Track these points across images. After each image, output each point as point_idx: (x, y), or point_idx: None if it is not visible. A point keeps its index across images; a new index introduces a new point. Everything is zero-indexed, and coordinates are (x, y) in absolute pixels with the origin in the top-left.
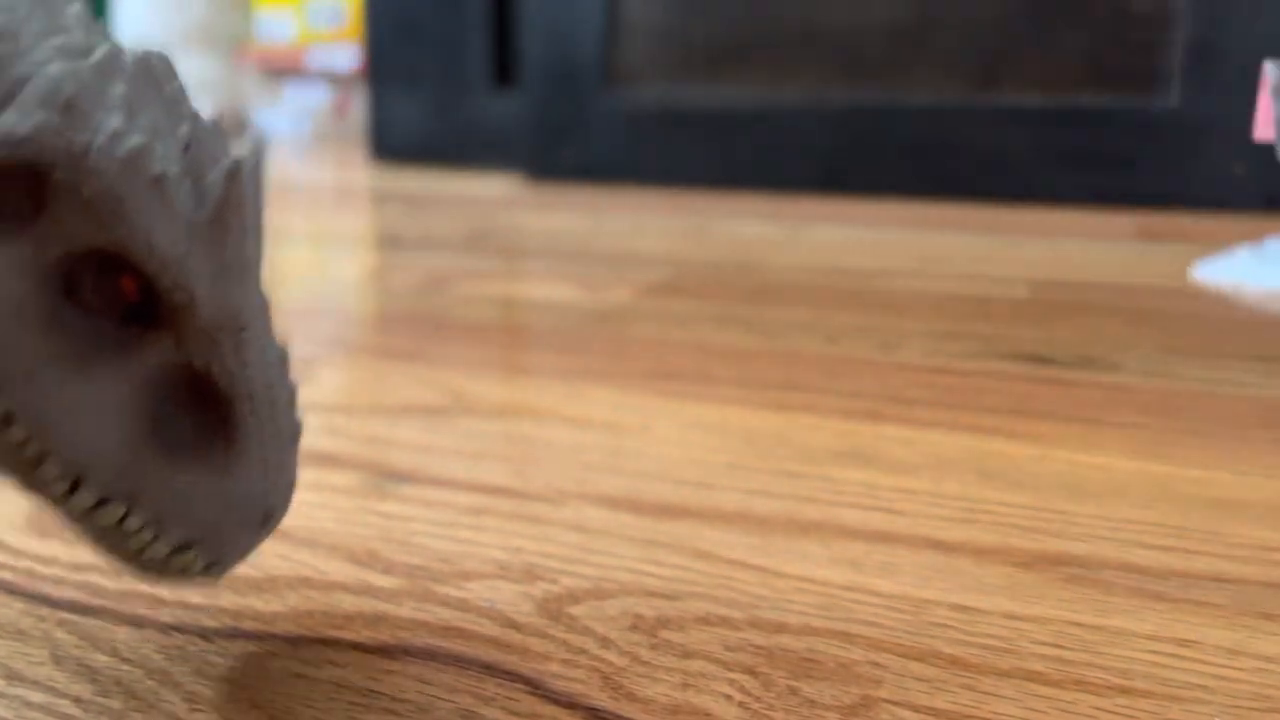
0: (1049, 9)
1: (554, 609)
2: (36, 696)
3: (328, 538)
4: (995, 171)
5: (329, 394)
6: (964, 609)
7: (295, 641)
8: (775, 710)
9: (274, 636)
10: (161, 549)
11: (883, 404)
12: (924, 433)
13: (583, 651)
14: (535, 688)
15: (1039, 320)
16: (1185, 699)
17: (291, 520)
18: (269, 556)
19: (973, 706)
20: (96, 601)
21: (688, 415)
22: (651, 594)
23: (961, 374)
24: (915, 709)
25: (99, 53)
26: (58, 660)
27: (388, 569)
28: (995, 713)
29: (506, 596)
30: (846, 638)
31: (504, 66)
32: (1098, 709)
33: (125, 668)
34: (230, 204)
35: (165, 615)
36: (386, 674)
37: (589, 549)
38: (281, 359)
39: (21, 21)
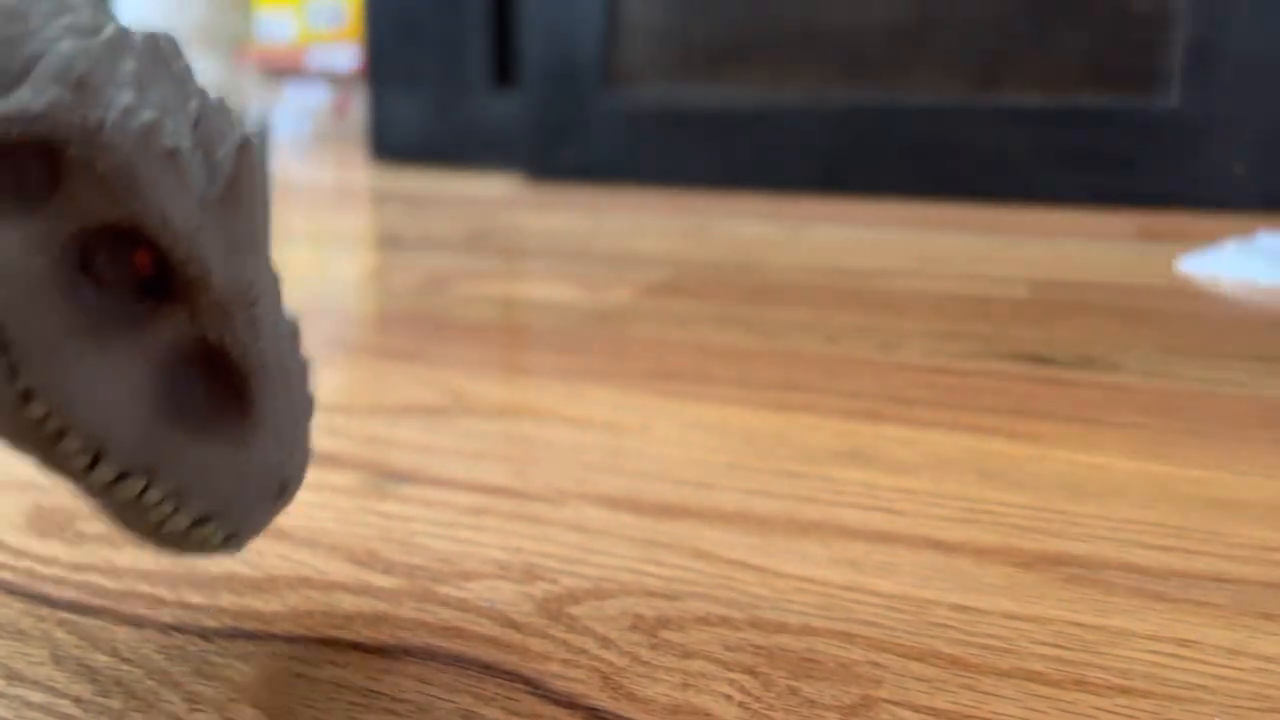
0: (1049, 9)
1: (554, 609)
2: (36, 696)
3: (328, 538)
4: (995, 171)
5: (329, 394)
6: (964, 609)
7: (295, 641)
8: (775, 710)
9: (274, 636)
10: (182, 522)
11: (883, 404)
12: (924, 433)
13: (583, 651)
14: (535, 688)
15: (1039, 320)
16: (1185, 699)
17: (291, 520)
18: (269, 556)
19: (973, 706)
20: (96, 601)
21: (688, 415)
22: (651, 594)
23: (961, 374)
24: (915, 709)
25: (108, 30)
26: (58, 660)
27: (388, 569)
28: (995, 713)
29: (506, 596)
30: (846, 638)
31: (504, 66)
32: (1098, 709)
33: (125, 668)
34: (242, 178)
35: (165, 615)
36: (386, 674)
37: (589, 549)
38: (293, 333)
39: (31, 2)
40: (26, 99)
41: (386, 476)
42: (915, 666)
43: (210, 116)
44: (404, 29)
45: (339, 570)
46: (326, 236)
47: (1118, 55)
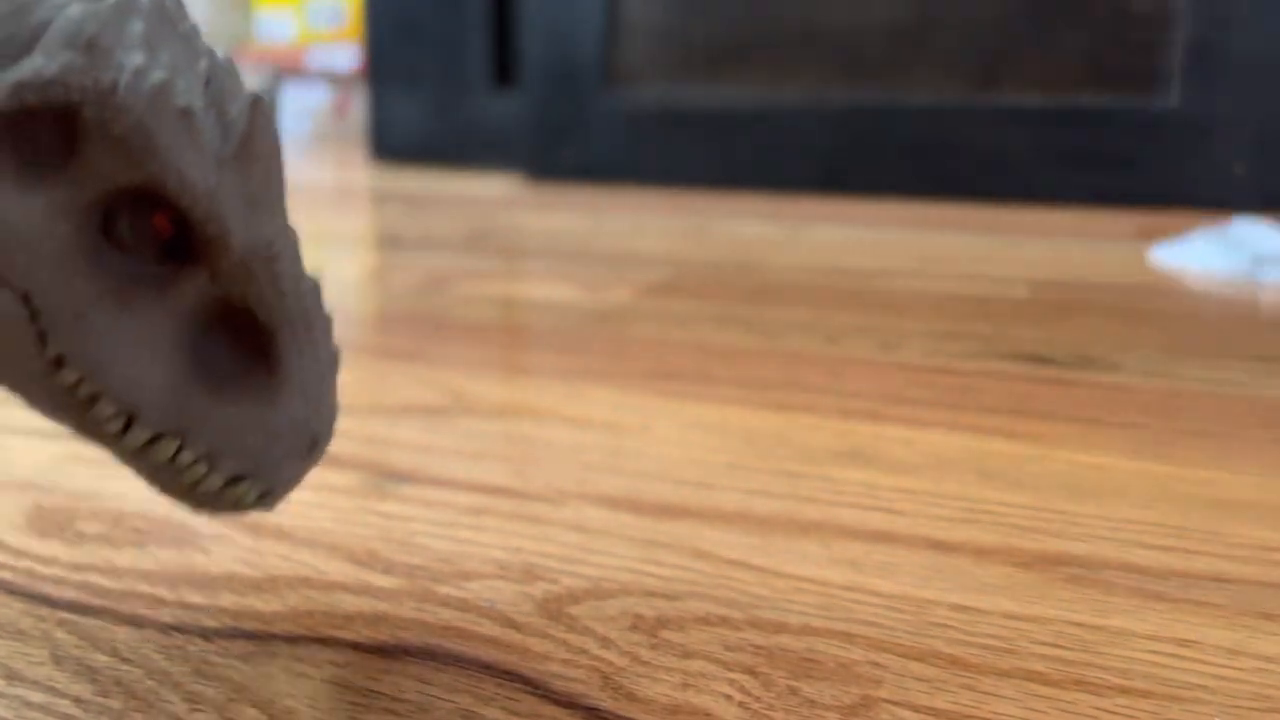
0: (1049, 9)
1: (554, 609)
2: (36, 696)
3: (328, 538)
4: (995, 171)
5: None
6: (964, 609)
7: (295, 641)
8: (775, 710)
9: (274, 636)
10: (215, 481)
11: (883, 404)
12: (924, 433)
13: (583, 651)
14: (535, 688)
15: (1039, 320)
16: (1185, 699)
17: (291, 520)
18: (269, 556)
19: (973, 706)
20: (96, 601)
21: (688, 415)
22: (651, 594)
23: (961, 374)
24: (915, 709)
25: None
26: (58, 660)
27: (388, 569)
28: (995, 713)
29: (506, 596)
30: (846, 638)
31: (504, 66)
32: (1098, 709)
33: (125, 668)
34: (255, 135)
35: (165, 615)
36: (386, 674)
37: (589, 549)
38: (315, 289)
39: None
40: (39, 64)
41: (386, 476)
42: (915, 666)
43: (220, 76)
44: (404, 29)
45: (339, 570)
46: (327, 236)
47: (1118, 55)
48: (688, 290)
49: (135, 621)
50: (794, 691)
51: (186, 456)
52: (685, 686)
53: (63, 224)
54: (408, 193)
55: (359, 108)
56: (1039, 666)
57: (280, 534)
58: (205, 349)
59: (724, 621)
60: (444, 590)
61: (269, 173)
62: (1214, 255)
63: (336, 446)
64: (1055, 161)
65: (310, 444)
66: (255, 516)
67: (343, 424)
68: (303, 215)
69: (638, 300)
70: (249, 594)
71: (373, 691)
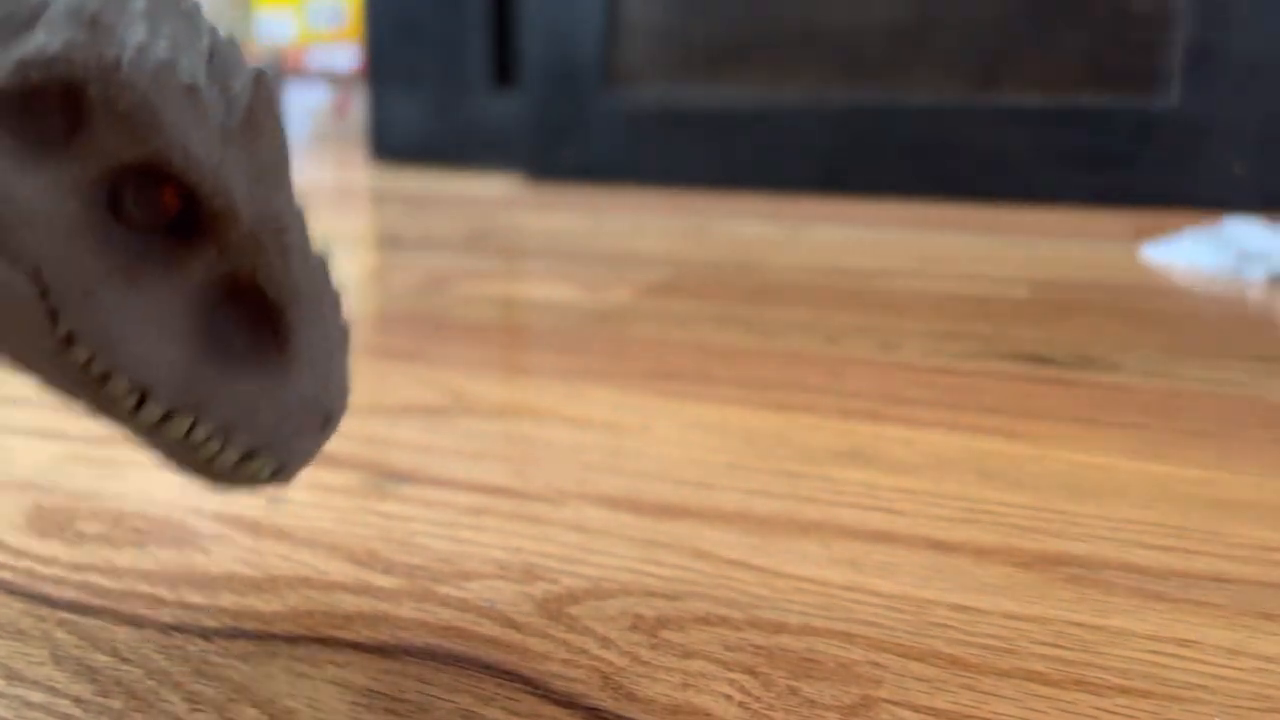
0: (1049, 9)
1: (554, 609)
2: (36, 696)
3: (328, 538)
4: (995, 171)
5: None
6: (964, 609)
7: (295, 641)
8: (775, 710)
9: (274, 636)
10: (230, 457)
11: (883, 404)
12: (924, 433)
13: (583, 651)
14: (535, 688)
15: (1039, 320)
16: (1185, 699)
17: (291, 520)
18: (269, 556)
19: (973, 706)
20: (96, 601)
21: (688, 415)
22: (651, 594)
23: (961, 374)
24: (915, 709)
25: None
26: (58, 660)
27: (388, 569)
28: (995, 713)
29: (506, 596)
30: (846, 638)
31: (504, 66)
32: (1098, 709)
33: (125, 668)
34: (259, 109)
35: (165, 615)
36: (386, 674)
37: (589, 549)
38: (324, 264)
39: None
40: (42, 41)
41: (386, 476)
42: (915, 666)
43: (222, 52)
44: (404, 29)
45: (339, 570)
46: (327, 237)
47: (1118, 55)
48: (688, 290)
49: (135, 621)
50: (794, 691)
51: (200, 433)
52: (685, 686)
53: (69, 201)
54: (408, 193)
55: (359, 108)
56: (1039, 666)
57: (280, 534)
58: (216, 325)
59: (724, 621)
60: (444, 590)
61: (274, 147)
62: (1202, 253)
63: (336, 446)
64: (1055, 161)
65: (323, 419)
66: (255, 516)
67: (343, 424)
68: None
69: (638, 300)
70: (249, 594)
71: (373, 691)
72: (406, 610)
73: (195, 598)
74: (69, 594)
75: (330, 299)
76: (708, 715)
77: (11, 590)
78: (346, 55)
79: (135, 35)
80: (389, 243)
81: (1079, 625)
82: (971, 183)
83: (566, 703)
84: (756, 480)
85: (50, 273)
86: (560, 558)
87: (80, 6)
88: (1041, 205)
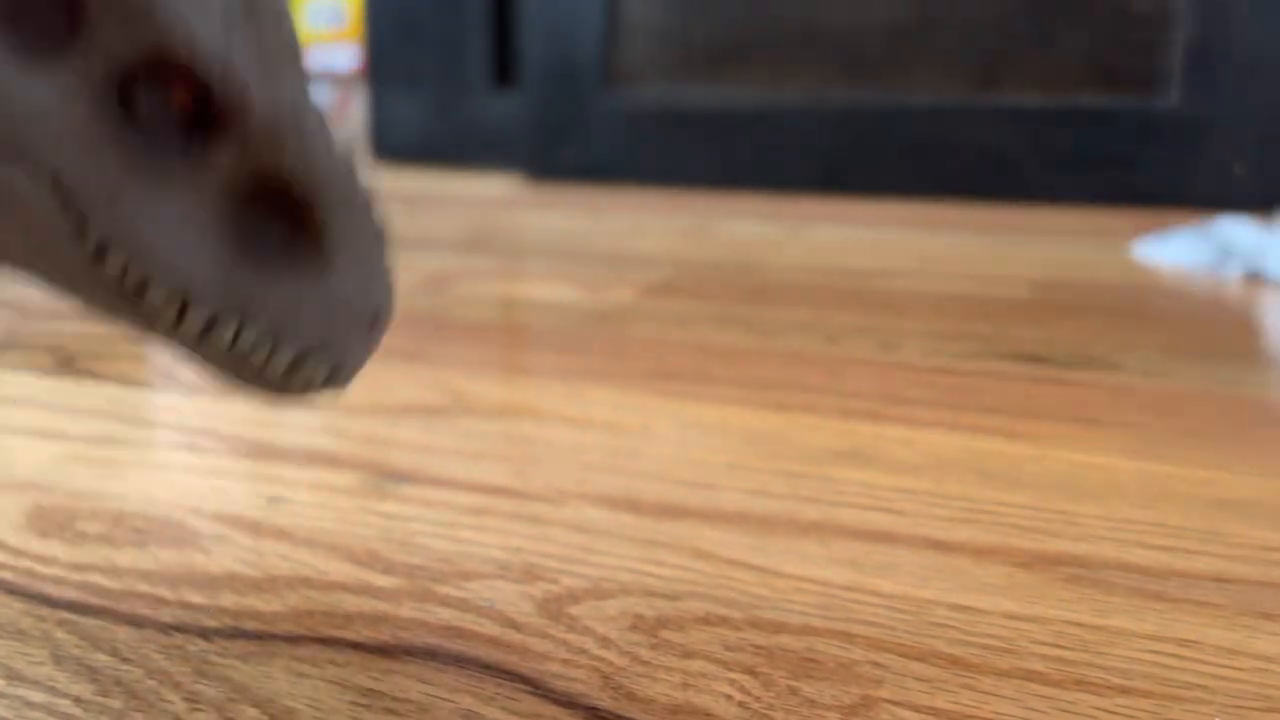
0: (1049, 9)
1: (554, 609)
2: (37, 696)
3: (328, 538)
4: (995, 171)
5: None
6: (964, 609)
7: (295, 641)
8: (775, 710)
9: (274, 636)
10: (281, 362)
11: (883, 404)
12: (924, 433)
13: (583, 651)
14: (535, 687)
15: (1039, 320)
16: (1185, 699)
17: (291, 520)
18: (269, 556)
19: (973, 706)
20: (96, 601)
21: (688, 415)
22: (651, 594)
23: (961, 374)
24: (915, 709)
25: None
26: (58, 660)
27: (388, 569)
28: (995, 713)
29: (506, 596)
30: (846, 638)
31: (504, 66)
32: (1098, 709)
33: (125, 667)
34: None
35: (165, 615)
36: (387, 674)
37: (589, 549)
38: (348, 159)
39: None
40: None
41: (386, 476)
42: (915, 666)
43: None
44: (404, 29)
45: (339, 570)
46: None
47: (1118, 55)
48: (688, 290)
49: (135, 621)
50: (794, 691)
51: (248, 337)
52: (685, 686)
53: (79, 104)
54: (407, 193)
55: (359, 108)
56: (1039, 666)
57: (280, 534)
58: (248, 227)
59: (724, 621)
60: (444, 590)
61: (280, 32)
62: (1186, 251)
63: (336, 446)
64: (1055, 161)
65: (372, 316)
66: (255, 516)
67: (343, 424)
68: None
69: (638, 300)
70: (249, 594)
71: (373, 691)
72: (406, 610)
73: (195, 598)
74: (69, 594)
75: (361, 192)
76: (708, 715)
77: (11, 590)
78: (346, 55)
79: None
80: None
81: (1079, 625)
82: (971, 183)
83: (566, 703)
84: (756, 480)
85: (71, 180)
86: (560, 558)
87: None
88: (1041, 205)
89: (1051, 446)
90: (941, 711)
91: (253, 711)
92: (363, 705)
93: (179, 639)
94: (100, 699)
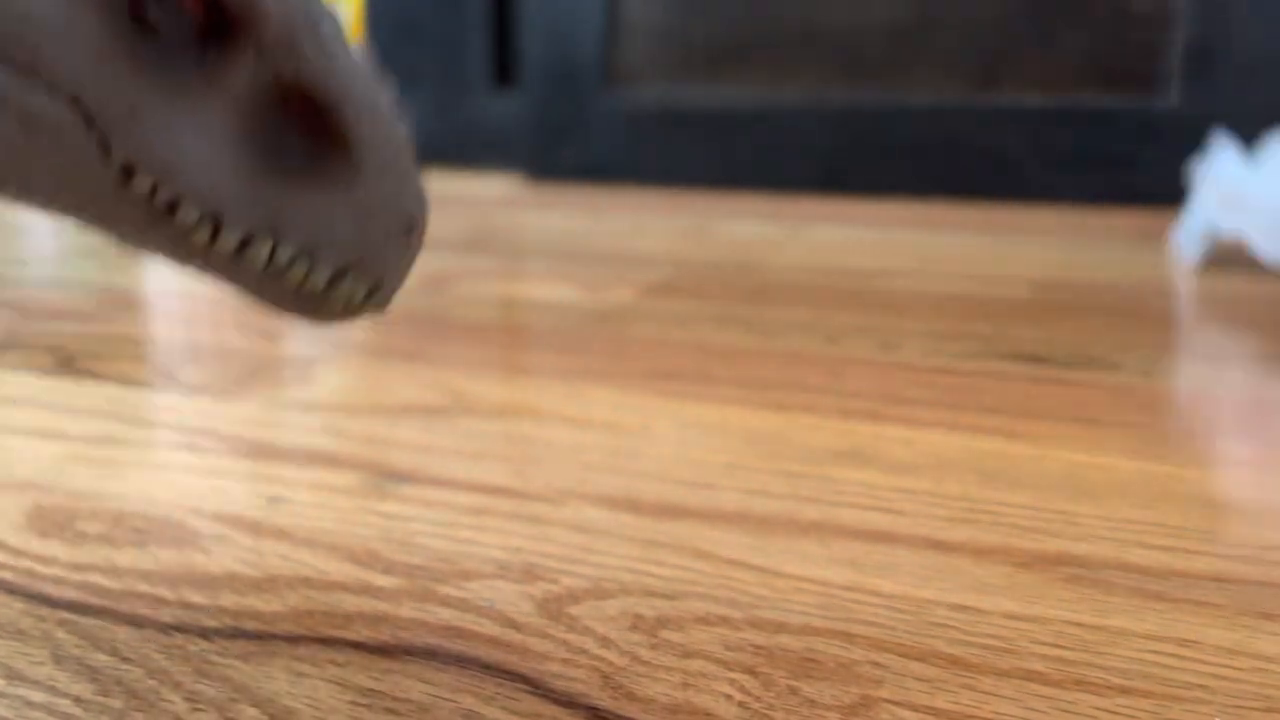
0: (1049, 9)
1: (554, 609)
2: (37, 696)
3: (328, 538)
4: (995, 171)
5: (329, 394)
6: (964, 609)
7: (296, 641)
8: (775, 710)
9: (274, 636)
10: (320, 278)
11: (883, 404)
12: (924, 433)
13: (583, 651)
14: (535, 687)
15: (1039, 320)
16: (1185, 699)
17: (291, 520)
18: (269, 556)
19: (973, 706)
20: (96, 601)
21: (688, 415)
22: (651, 594)
23: (961, 374)
24: (915, 709)
25: None
26: (58, 660)
27: (388, 569)
28: (995, 713)
29: (506, 596)
30: (846, 638)
31: (504, 66)
32: (1098, 709)
33: (126, 667)
34: None
35: (165, 615)
36: (387, 673)
37: (589, 549)
38: (366, 66)
39: None
40: None
41: (386, 476)
42: (915, 666)
43: None
44: (404, 29)
45: (339, 570)
46: None
47: (1118, 55)
48: (688, 290)
49: (136, 621)
50: (794, 691)
51: (284, 254)
52: (685, 686)
53: (90, 16)
54: None
55: None
56: (1039, 666)
57: (280, 534)
58: (274, 140)
59: (724, 621)
60: (444, 590)
61: None
62: (1188, 234)
63: (336, 446)
64: (1055, 161)
65: (407, 224)
66: (255, 516)
67: (343, 424)
68: None
69: (638, 300)
70: (249, 594)
71: (373, 691)
72: (406, 610)
73: (196, 597)
74: (69, 594)
75: (382, 97)
76: (708, 715)
77: (11, 590)
78: None
79: None
80: None
81: (1079, 625)
82: (971, 183)
83: (566, 702)
84: (756, 480)
85: (89, 97)
86: (560, 558)
87: None
88: (1041, 205)
89: (1051, 446)
90: (941, 711)
91: (253, 711)
92: (363, 705)
93: (179, 639)
94: (100, 699)
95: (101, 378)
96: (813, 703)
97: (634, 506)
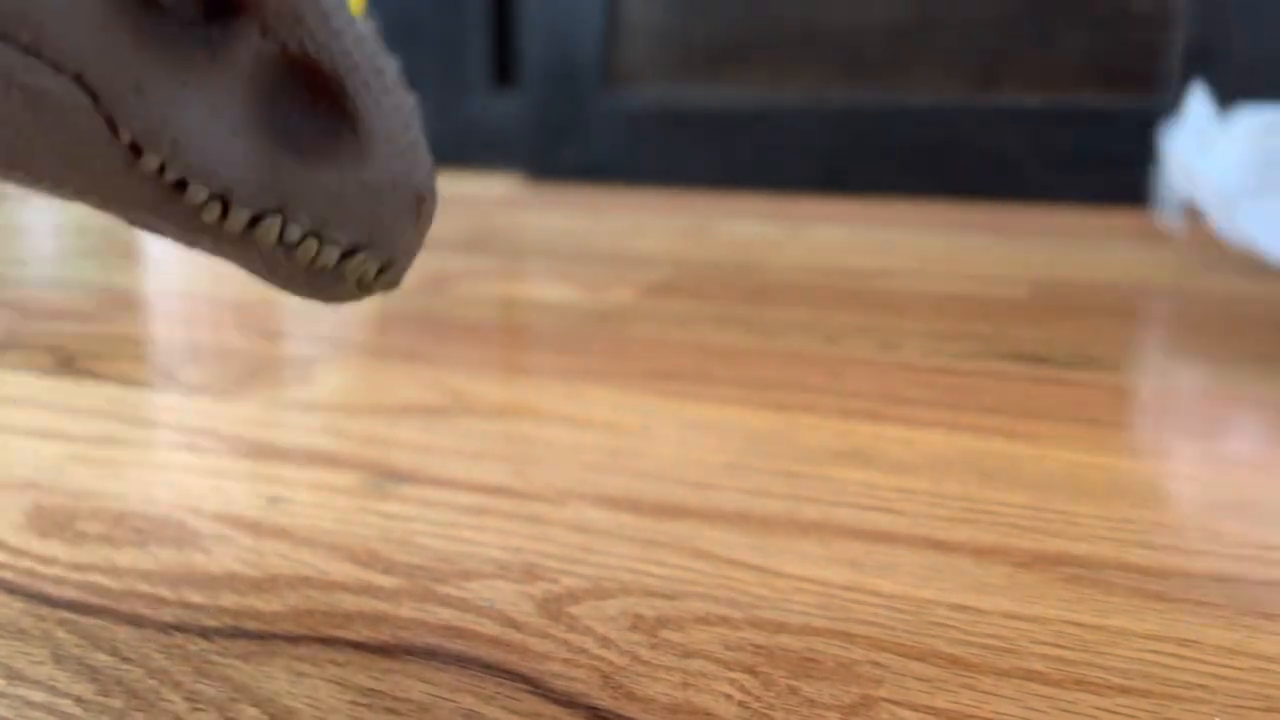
0: (1049, 9)
1: (554, 609)
2: (37, 696)
3: (328, 538)
4: (995, 171)
5: (329, 394)
6: (964, 609)
7: (296, 641)
8: (775, 710)
9: (275, 636)
10: (330, 256)
11: (883, 404)
12: (924, 433)
13: (583, 651)
14: (536, 687)
15: (1039, 320)
16: (1185, 699)
17: (292, 520)
18: (269, 556)
19: (973, 706)
20: (97, 601)
21: (688, 415)
22: (651, 594)
23: (961, 374)
24: (915, 708)
25: None
26: (58, 660)
27: (388, 569)
28: (995, 712)
29: (506, 596)
30: (846, 637)
31: (504, 66)
32: (1098, 709)
33: (126, 667)
34: None
35: (166, 615)
36: (388, 673)
37: (589, 549)
38: (370, 34)
39: None
40: None
41: (386, 476)
42: (915, 666)
43: None
44: (404, 29)
45: (339, 570)
46: None
47: (1118, 55)
48: (688, 290)
49: (136, 621)
50: (794, 691)
51: (294, 232)
52: (685, 686)
53: None
54: None
55: None
56: (1039, 666)
57: (280, 534)
58: (281, 115)
59: (724, 621)
60: (444, 590)
61: None
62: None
63: (336, 446)
64: (1055, 161)
65: (417, 199)
66: (255, 516)
67: (343, 424)
68: None
69: (638, 300)
70: (249, 594)
71: (374, 691)
72: (406, 610)
73: (196, 597)
74: (69, 594)
75: (387, 70)
76: (708, 715)
77: (12, 590)
78: None
79: None
80: None
81: (1079, 625)
82: (971, 183)
83: (566, 702)
84: (756, 480)
85: (93, 75)
86: (560, 558)
87: None
88: (1041, 205)
89: (1051, 446)
90: (941, 711)
91: (253, 711)
92: (363, 705)
93: (179, 639)
94: (101, 699)
95: (101, 378)
96: (813, 702)
97: (634, 506)
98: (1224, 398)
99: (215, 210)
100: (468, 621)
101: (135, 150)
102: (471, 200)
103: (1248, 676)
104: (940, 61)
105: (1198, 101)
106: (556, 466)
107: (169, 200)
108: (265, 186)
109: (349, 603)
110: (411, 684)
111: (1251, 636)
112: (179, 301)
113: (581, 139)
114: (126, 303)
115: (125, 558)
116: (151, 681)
